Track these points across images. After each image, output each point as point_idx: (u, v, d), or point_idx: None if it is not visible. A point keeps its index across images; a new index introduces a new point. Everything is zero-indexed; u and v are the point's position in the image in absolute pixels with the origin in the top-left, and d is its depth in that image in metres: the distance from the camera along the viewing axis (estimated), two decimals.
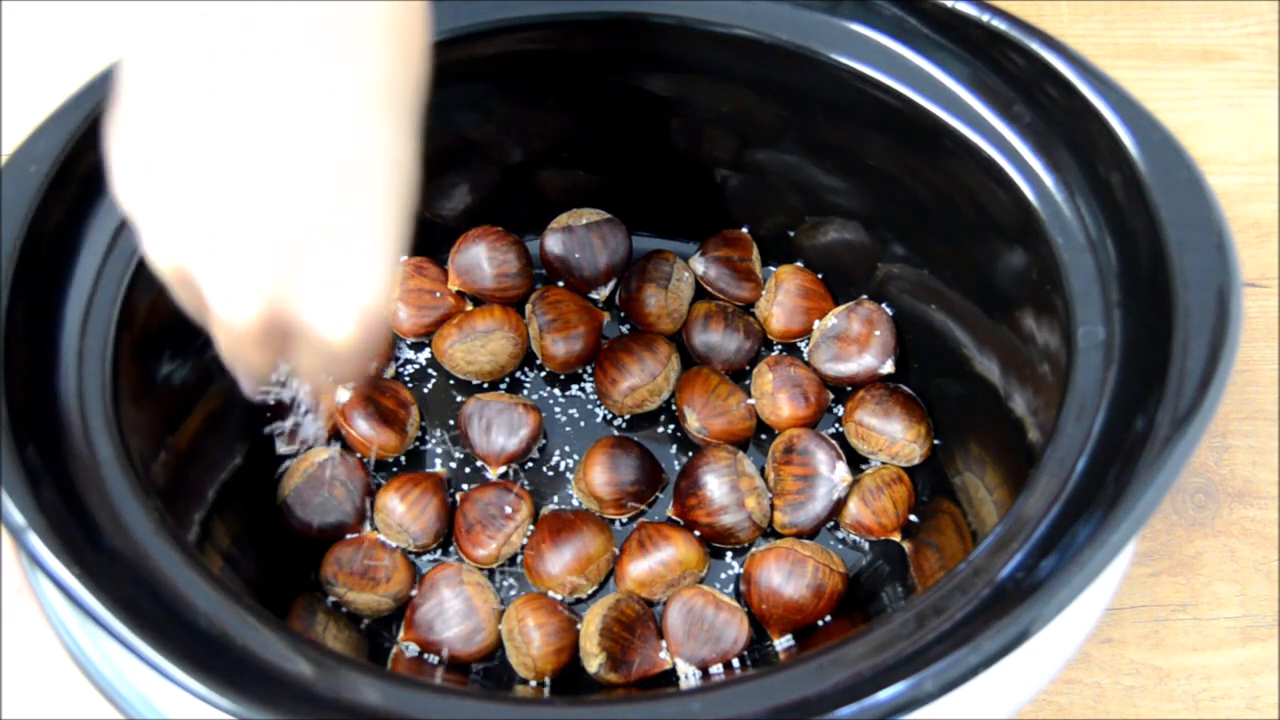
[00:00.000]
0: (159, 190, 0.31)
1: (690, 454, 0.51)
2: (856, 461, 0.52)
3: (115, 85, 0.32)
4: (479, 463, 0.52)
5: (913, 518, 0.50)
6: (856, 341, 0.52)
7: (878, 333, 0.52)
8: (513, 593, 0.49)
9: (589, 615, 0.47)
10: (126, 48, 0.31)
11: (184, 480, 0.43)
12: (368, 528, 0.50)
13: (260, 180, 0.30)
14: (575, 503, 0.52)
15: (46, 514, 0.34)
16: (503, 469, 0.51)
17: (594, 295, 0.55)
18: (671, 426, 0.54)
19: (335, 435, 0.52)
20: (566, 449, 0.53)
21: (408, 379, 0.55)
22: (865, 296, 0.54)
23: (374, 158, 0.31)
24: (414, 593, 0.48)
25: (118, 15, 0.31)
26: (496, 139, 0.53)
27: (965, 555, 0.35)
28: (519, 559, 0.50)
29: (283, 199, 0.30)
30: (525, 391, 0.54)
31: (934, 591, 0.34)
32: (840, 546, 0.51)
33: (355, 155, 0.31)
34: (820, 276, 0.55)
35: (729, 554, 0.50)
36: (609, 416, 0.54)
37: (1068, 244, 0.40)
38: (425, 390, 0.54)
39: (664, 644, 0.47)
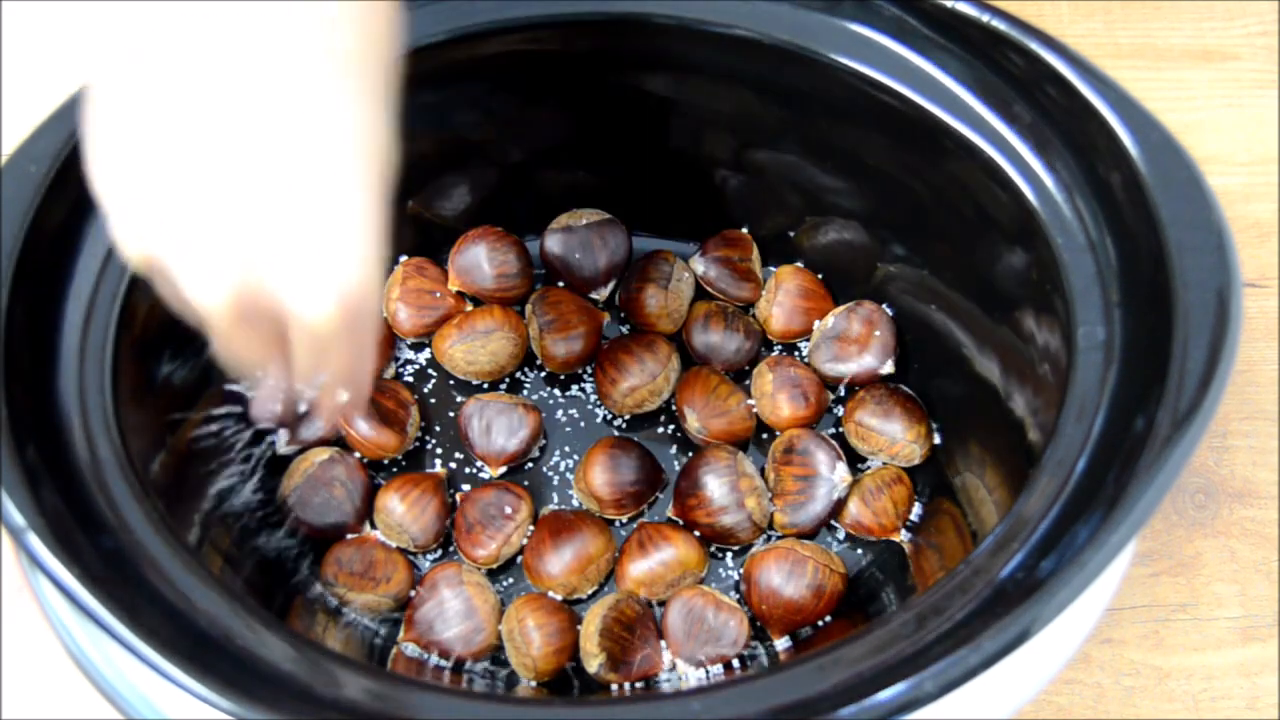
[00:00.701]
0: (127, 176, 0.31)
1: (690, 454, 0.51)
2: (856, 461, 0.52)
3: (89, 75, 0.31)
4: (479, 463, 0.52)
5: (913, 518, 0.50)
6: (856, 342, 0.52)
7: (878, 333, 0.52)
8: (513, 593, 0.50)
9: (589, 615, 0.47)
10: (96, 40, 0.31)
11: (184, 480, 0.43)
12: (368, 528, 0.50)
13: (228, 161, 0.30)
14: (575, 503, 0.52)
15: (46, 514, 0.34)
16: (503, 469, 0.51)
17: (594, 295, 0.55)
18: (671, 427, 0.54)
19: (335, 435, 0.52)
20: (566, 449, 0.53)
21: (408, 379, 0.55)
22: (865, 297, 0.54)
23: (346, 134, 0.31)
24: (414, 593, 0.48)
25: (86, 11, 0.31)
26: (496, 139, 0.53)
27: (965, 555, 0.35)
28: (519, 559, 0.50)
29: (251, 178, 0.30)
30: (525, 391, 0.54)
31: (934, 591, 0.34)
32: (840, 546, 0.51)
33: (326, 133, 0.30)
34: (820, 276, 0.55)
35: (729, 554, 0.50)
36: (609, 416, 0.54)
37: (1068, 244, 0.40)
38: (425, 390, 0.54)
39: (664, 644, 0.47)
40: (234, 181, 0.30)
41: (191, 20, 0.30)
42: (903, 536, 0.49)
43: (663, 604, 0.48)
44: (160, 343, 0.43)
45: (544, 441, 0.53)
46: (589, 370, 0.55)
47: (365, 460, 0.51)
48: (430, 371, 0.55)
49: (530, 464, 0.53)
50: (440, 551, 0.51)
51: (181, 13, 0.30)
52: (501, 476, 0.51)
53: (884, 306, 0.53)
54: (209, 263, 0.30)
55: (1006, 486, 0.43)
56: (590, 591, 0.49)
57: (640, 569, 0.48)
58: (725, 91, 0.49)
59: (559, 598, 0.48)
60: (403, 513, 0.49)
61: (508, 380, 0.55)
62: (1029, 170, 0.41)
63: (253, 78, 0.30)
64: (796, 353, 0.55)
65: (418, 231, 0.55)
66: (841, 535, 0.51)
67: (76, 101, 0.40)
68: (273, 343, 0.33)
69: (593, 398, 0.54)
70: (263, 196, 0.30)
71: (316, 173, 0.30)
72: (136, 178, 0.30)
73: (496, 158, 0.54)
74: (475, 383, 0.54)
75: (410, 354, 0.55)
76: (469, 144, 0.52)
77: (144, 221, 0.31)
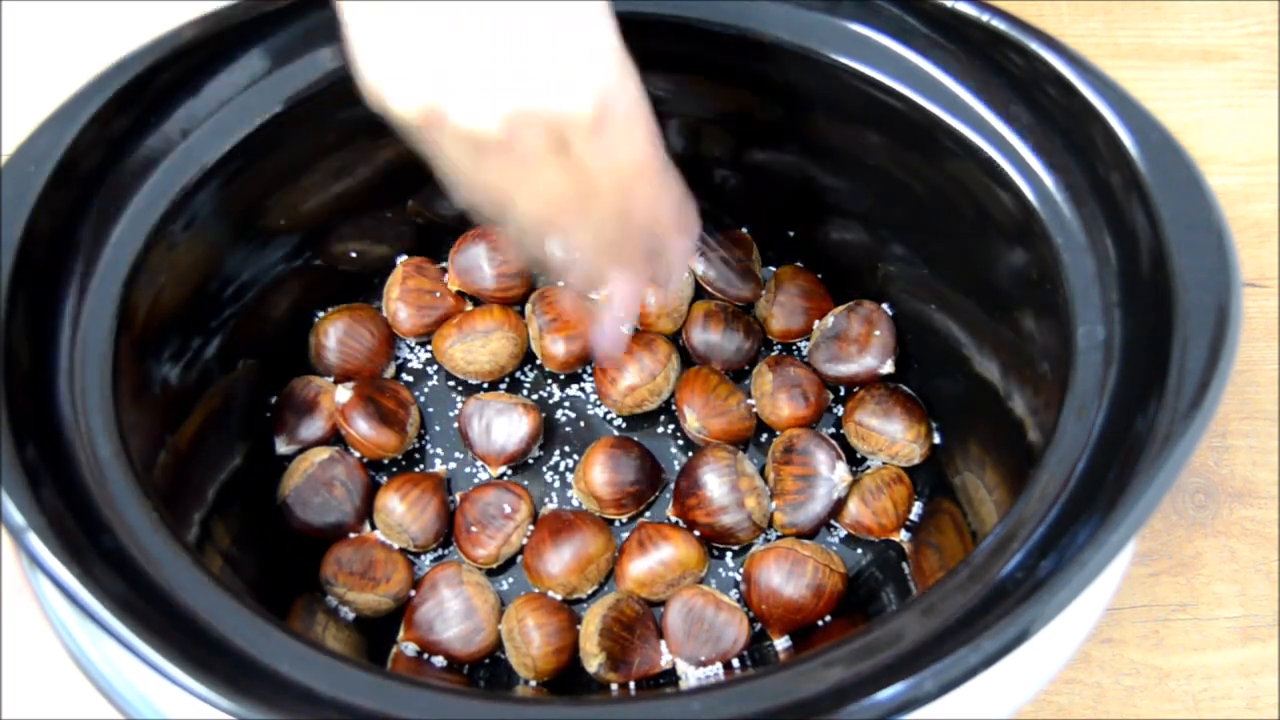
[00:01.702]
0: (389, 39, 0.33)
1: (690, 454, 0.51)
2: (856, 462, 0.52)
3: None
4: (479, 463, 0.52)
5: (913, 518, 0.50)
6: (856, 341, 0.52)
7: (877, 333, 0.52)
8: (513, 593, 0.50)
9: (589, 615, 0.47)
10: None
11: (184, 480, 0.43)
12: (368, 528, 0.50)
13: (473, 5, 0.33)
14: (575, 503, 0.52)
15: (46, 514, 0.34)
16: (503, 469, 0.51)
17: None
18: (671, 426, 0.54)
19: (335, 435, 0.52)
20: (566, 449, 0.53)
21: (408, 379, 0.55)
22: (865, 297, 0.54)
23: None
24: (414, 593, 0.48)
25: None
26: None
27: (965, 555, 0.35)
28: (519, 559, 0.50)
29: (495, 13, 0.32)
30: (525, 391, 0.54)
31: (934, 591, 0.34)
32: (840, 546, 0.51)
33: None
34: (820, 276, 0.55)
35: (729, 554, 0.50)
36: (609, 416, 0.54)
37: (1068, 244, 0.40)
38: (425, 390, 0.54)
39: (664, 644, 0.47)
40: (482, 16, 0.32)
41: None
42: (903, 536, 0.49)
43: (663, 604, 0.48)
44: (160, 342, 0.43)
45: (544, 441, 0.53)
46: (588, 370, 0.55)
47: (365, 460, 0.51)
48: (430, 371, 0.55)
49: (530, 464, 0.53)
50: (440, 551, 0.51)
51: None
52: (501, 476, 0.51)
53: (884, 306, 0.53)
54: (478, 86, 0.33)
55: (1006, 486, 0.43)
56: (590, 591, 0.49)
57: (640, 569, 0.48)
58: (725, 91, 0.49)
59: (559, 597, 0.48)
60: (403, 513, 0.49)
61: (508, 380, 0.55)
62: (1029, 170, 0.41)
63: None
64: (796, 352, 0.55)
65: (418, 231, 0.55)
66: (841, 535, 0.51)
67: (76, 101, 0.40)
68: (557, 179, 0.35)
69: (592, 397, 0.54)
70: (510, 24, 0.33)
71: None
72: (397, 38, 0.33)
73: None
74: (475, 382, 0.54)
75: (410, 354, 0.55)
76: None
77: (412, 73, 0.33)
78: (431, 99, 0.33)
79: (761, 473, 0.50)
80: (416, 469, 0.52)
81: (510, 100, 0.33)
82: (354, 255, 0.54)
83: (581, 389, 0.54)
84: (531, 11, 0.33)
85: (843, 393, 0.54)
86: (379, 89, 0.34)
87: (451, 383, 0.55)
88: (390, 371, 0.54)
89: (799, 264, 0.56)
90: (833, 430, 0.53)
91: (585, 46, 0.34)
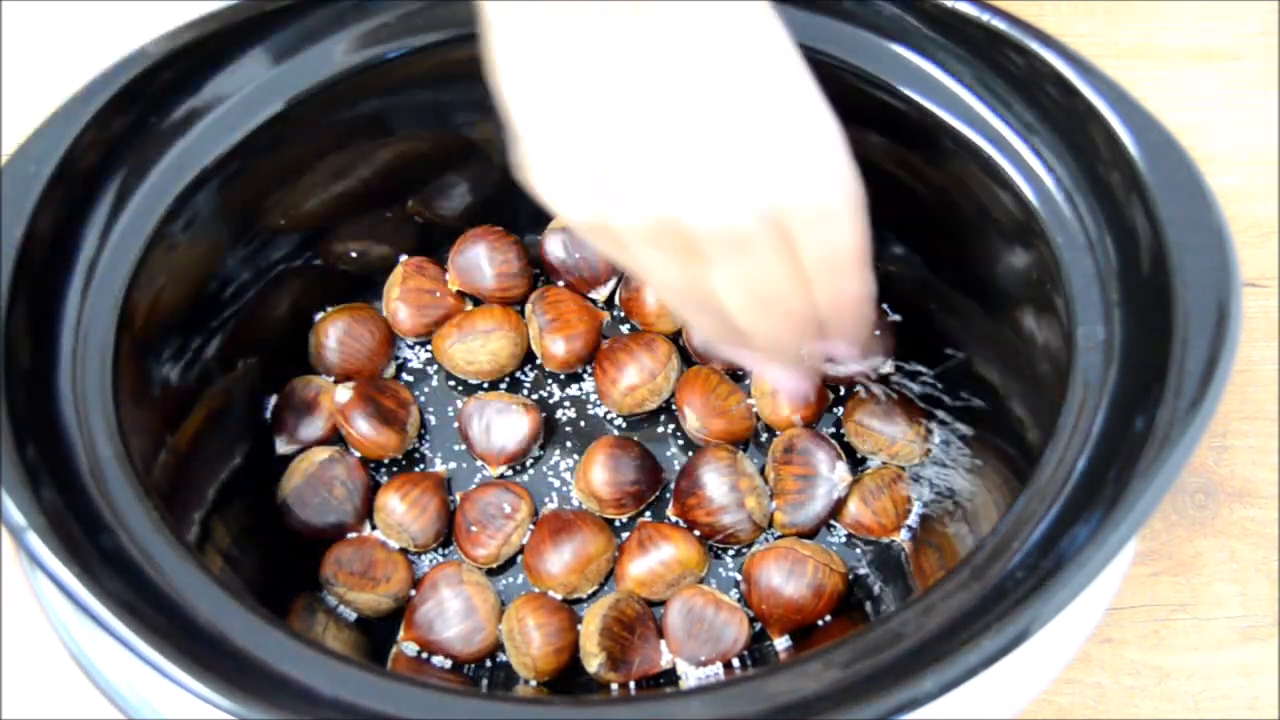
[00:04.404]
0: (566, 142, 0.32)
1: (690, 453, 0.51)
2: (856, 461, 0.52)
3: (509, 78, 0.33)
4: (479, 463, 0.52)
5: (913, 517, 0.50)
6: None
7: (877, 333, 0.52)
8: (513, 592, 0.50)
9: (589, 615, 0.47)
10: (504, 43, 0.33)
11: (184, 480, 0.43)
12: (368, 528, 0.50)
13: (659, 104, 0.30)
14: (575, 503, 0.52)
15: (46, 514, 0.34)
16: (503, 469, 0.51)
17: (594, 295, 0.55)
18: (671, 426, 0.54)
19: (335, 435, 0.52)
20: (566, 449, 0.53)
21: (408, 379, 0.55)
22: None
23: (771, 50, 0.32)
24: (414, 593, 0.48)
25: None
26: (496, 139, 0.52)
27: (965, 555, 0.35)
28: (519, 559, 0.50)
29: (684, 111, 0.30)
30: (525, 391, 0.54)
31: (934, 591, 0.34)
32: (840, 546, 0.51)
33: (750, 52, 0.31)
34: None
35: (729, 554, 0.50)
36: (609, 416, 0.54)
37: (1068, 244, 0.40)
38: (425, 390, 0.54)
39: (664, 644, 0.47)
40: (667, 116, 0.30)
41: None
42: (903, 536, 0.49)
43: (663, 604, 0.48)
44: (160, 342, 0.43)
45: (544, 441, 0.53)
46: (589, 370, 0.55)
47: (365, 460, 0.51)
48: (430, 371, 0.55)
49: (530, 464, 0.53)
50: (440, 551, 0.51)
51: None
52: (501, 476, 0.51)
53: (884, 306, 0.53)
54: (713, 184, 0.31)
55: (1006, 486, 0.43)
56: (590, 591, 0.49)
57: (640, 568, 0.48)
58: None
59: (559, 597, 0.48)
60: (403, 512, 0.49)
61: (508, 380, 0.55)
62: (1029, 170, 0.41)
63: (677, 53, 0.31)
64: None
65: (418, 231, 0.55)
66: (841, 535, 0.51)
67: (76, 101, 0.40)
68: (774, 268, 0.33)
69: (592, 397, 0.54)
70: (719, 113, 0.31)
71: (749, 89, 0.31)
72: (572, 141, 0.31)
73: (496, 158, 0.54)
74: (475, 382, 0.54)
75: (410, 354, 0.55)
76: (469, 144, 0.52)
77: (586, 180, 0.32)
78: (653, 208, 0.31)
79: (761, 473, 0.50)
80: (416, 469, 0.52)
81: (763, 196, 0.31)
82: (354, 255, 0.54)
83: (581, 389, 0.54)
84: (748, 96, 0.30)
85: (843, 393, 0.54)
86: (554, 196, 0.33)
87: (451, 383, 0.55)
88: (390, 371, 0.54)
89: None
90: (833, 430, 0.53)
91: (821, 128, 0.32)
